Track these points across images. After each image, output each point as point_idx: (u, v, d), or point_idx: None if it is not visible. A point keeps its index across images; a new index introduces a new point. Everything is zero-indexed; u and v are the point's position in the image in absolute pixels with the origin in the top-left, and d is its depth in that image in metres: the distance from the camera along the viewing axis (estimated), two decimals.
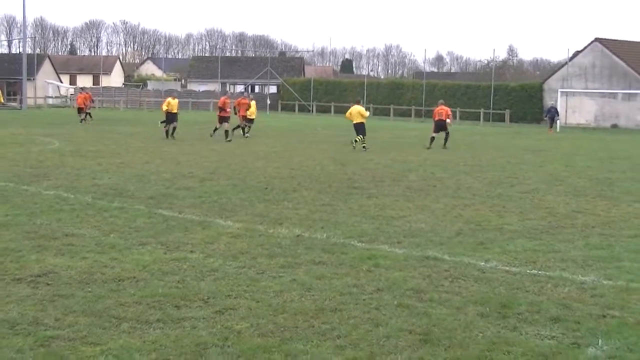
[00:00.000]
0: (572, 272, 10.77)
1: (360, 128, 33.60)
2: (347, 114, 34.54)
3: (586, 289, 9.82)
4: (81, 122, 49.76)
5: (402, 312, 8.62)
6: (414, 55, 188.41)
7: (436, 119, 36.25)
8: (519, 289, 9.73)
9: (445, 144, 35.40)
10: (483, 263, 11.19)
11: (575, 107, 70.39)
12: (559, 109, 63.27)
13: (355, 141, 33.06)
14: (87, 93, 54.33)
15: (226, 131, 36.42)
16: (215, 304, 8.77)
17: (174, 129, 37.82)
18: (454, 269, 10.77)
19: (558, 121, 57.29)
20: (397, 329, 8.03)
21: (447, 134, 35.96)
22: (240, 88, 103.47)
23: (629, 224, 15.04)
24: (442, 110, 36.24)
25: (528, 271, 10.76)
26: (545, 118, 58.02)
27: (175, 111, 38.04)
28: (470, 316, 8.52)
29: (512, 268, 10.93)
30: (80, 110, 51.79)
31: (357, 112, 33.84)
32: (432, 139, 35.72)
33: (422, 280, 10.10)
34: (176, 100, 39.02)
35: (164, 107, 38.16)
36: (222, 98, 39.19)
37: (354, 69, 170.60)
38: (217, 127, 38.34)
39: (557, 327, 8.23)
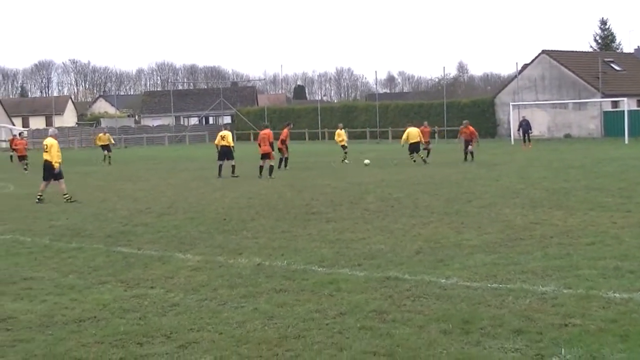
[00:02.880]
0: (533, 283, 10.82)
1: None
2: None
3: (547, 299, 9.86)
4: (25, 169, 43.62)
5: (365, 334, 8.60)
6: (365, 78, 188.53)
7: (463, 137, 40.22)
8: (480, 304, 9.76)
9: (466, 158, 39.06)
10: (444, 280, 11.21)
11: (528, 120, 70.95)
12: (511, 122, 63.82)
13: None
14: (24, 139, 50.01)
15: (271, 166, 33.07)
16: (177, 338, 8.71)
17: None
18: (415, 287, 10.78)
19: (530, 133, 57.36)
20: (361, 351, 8.02)
21: (468, 152, 39.29)
22: (194, 121, 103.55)
23: (586, 232, 15.16)
24: (468, 130, 39.72)
25: (489, 285, 10.79)
26: (518, 132, 58.06)
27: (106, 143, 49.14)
28: (433, 334, 8.52)
29: (473, 283, 10.96)
30: (21, 157, 45.67)
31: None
32: (466, 154, 39.22)
33: (384, 301, 10.10)
34: (107, 135, 50.91)
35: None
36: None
37: (307, 94, 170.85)
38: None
39: (520, 339, 8.26)
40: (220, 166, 33.87)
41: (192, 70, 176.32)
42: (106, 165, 45.96)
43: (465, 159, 38.92)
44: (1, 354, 8.40)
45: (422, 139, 38.98)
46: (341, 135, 43.76)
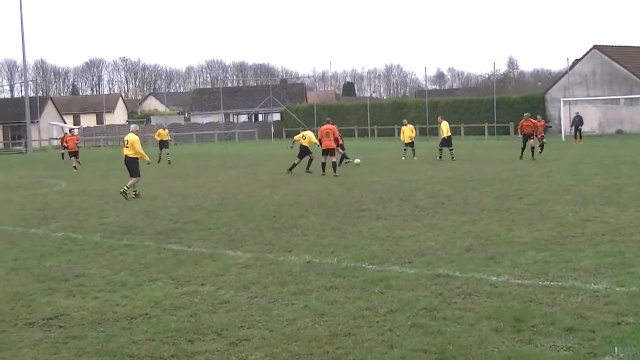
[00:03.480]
0: (584, 281, 10.74)
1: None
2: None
3: (599, 297, 9.78)
4: (75, 168, 42.42)
5: (416, 332, 8.59)
6: (415, 74, 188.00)
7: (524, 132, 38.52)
8: (532, 302, 9.70)
9: (532, 155, 37.75)
10: (494, 278, 11.16)
11: (581, 116, 70.31)
12: (562, 119, 63.37)
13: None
14: (75, 135, 47.66)
15: (333, 163, 32.00)
16: (228, 335, 8.75)
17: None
18: (465, 285, 10.74)
19: (581, 129, 56.83)
20: (411, 349, 8.00)
21: (540, 145, 39.42)
22: (243, 118, 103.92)
23: (639, 229, 15.00)
24: (530, 123, 38.46)
25: (540, 283, 10.72)
26: (571, 128, 57.56)
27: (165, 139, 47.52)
28: (485, 332, 8.49)
29: (524, 281, 10.90)
30: (73, 154, 43.96)
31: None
32: (523, 150, 38.22)
33: (434, 298, 10.07)
34: (166, 130, 49.47)
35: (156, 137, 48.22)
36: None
37: (356, 91, 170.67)
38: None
39: (572, 337, 8.19)
40: (295, 165, 33.99)
41: (241, 68, 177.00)
42: (166, 166, 43.08)
43: (522, 156, 37.74)
44: (54, 351, 8.50)
45: (531, 131, 37.48)
46: (406, 132, 42.45)
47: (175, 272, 12.54)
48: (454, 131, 74.49)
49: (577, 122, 56.21)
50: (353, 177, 29.98)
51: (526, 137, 37.98)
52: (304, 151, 34.46)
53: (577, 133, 55.24)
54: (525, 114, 39.30)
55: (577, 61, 74.87)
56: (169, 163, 44.69)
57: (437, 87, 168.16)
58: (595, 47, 73.46)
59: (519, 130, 39.25)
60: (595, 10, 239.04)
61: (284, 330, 8.84)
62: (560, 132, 64.43)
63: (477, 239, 14.64)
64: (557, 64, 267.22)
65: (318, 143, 32.84)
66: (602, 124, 69.68)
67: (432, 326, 8.77)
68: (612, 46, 75.72)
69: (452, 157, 38.97)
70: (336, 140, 32.25)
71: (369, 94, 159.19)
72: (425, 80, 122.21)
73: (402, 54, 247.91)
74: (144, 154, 25.28)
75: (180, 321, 9.43)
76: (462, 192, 22.91)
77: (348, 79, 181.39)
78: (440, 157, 39.65)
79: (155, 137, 49.01)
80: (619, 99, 69.72)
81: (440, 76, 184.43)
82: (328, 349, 8.12)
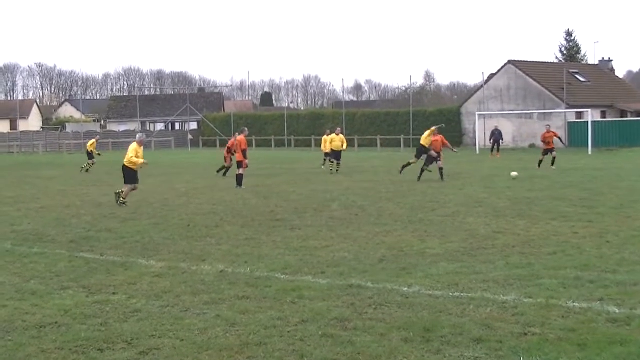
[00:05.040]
0: (494, 292, 10.91)
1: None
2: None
3: (507, 308, 9.95)
4: None
5: (326, 342, 8.63)
6: (332, 85, 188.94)
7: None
8: (442, 312, 9.82)
9: (552, 164, 38.94)
10: (406, 288, 11.27)
11: (500, 130, 71.40)
12: (477, 132, 64.34)
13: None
14: None
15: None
16: (139, 345, 8.69)
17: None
18: (377, 296, 10.83)
19: (501, 143, 57.75)
20: (321, 359, 8.05)
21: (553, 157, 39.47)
22: (160, 126, 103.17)
23: (548, 242, 15.31)
24: (550, 134, 39.99)
25: (450, 294, 10.87)
26: (490, 141, 58.41)
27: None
28: (395, 342, 8.57)
29: (435, 292, 11.03)
30: None
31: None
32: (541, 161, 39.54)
33: (346, 309, 10.13)
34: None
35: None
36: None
37: (273, 101, 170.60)
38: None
39: (480, 347, 8.33)
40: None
41: (159, 76, 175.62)
42: (84, 173, 43.43)
43: (539, 165, 39.20)
44: None
45: (445, 146, 35.78)
46: (336, 141, 40.59)
47: (86, 281, 12.40)
48: (371, 143, 75.43)
49: (497, 135, 57.08)
50: (269, 187, 29.99)
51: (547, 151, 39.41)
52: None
53: (496, 146, 56.12)
54: (546, 125, 41.56)
55: (492, 75, 76.07)
56: (83, 170, 44.58)
57: (355, 99, 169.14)
58: (510, 62, 74.71)
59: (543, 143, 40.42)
60: (510, 26, 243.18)
61: (195, 340, 8.82)
62: (475, 145, 65.31)
63: (390, 250, 14.77)
64: (473, 78, 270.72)
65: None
66: (516, 138, 70.78)
67: (342, 336, 8.83)
68: (527, 61, 77.11)
69: (337, 170, 39.06)
70: (244, 152, 31.09)
71: (286, 105, 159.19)
72: (343, 92, 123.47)
73: (320, 65, 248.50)
74: (134, 160, 24.88)
75: (91, 330, 9.34)
76: (377, 204, 23.08)
77: (266, 89, 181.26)
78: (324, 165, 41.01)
79: (89, 147, 47.53)
80: (532, 113, 70.96)
81: (358, 88, 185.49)
82: (239, 359, 8.13)
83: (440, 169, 32.53)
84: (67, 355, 8.36)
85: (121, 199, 24.19)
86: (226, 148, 38.65)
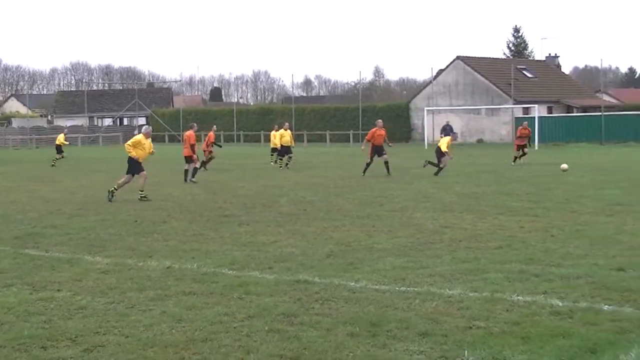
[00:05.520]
0: (440, 286, 10.97)
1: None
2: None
3: (453, 302, 10.02)
4: None
5: (273, 337, 8.63)
6: (282, 81, 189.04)
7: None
8: (388, 307, 9.86)
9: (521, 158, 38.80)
10: (353, 283, 11.29)
11: (442, 124, 71.81)
12: (425, 127, 64.70)
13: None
14: None
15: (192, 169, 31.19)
16: (83, 342, 8.61)
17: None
18: (324, 291, 10.84)
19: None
20: (268, 354, 8.04)
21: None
22: (108, 121, 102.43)
23: (494, 236, 15.43)
24: (526, 131, 39.43)
25: (397, 288, 10.91)
26: (440, 136, 58.67)
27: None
28: (341, 337, 8.59)
29: (382, 286, 11.07)
30: None
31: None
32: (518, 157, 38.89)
33: (293, 304, 10.13)
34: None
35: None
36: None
37: (223, 96, 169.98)
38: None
39: (425, 341, 8.37)
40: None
41: (107, 71, 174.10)
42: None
43: (515, 160, 38.96)
44: None
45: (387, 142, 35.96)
46: (286, 136, 40.51)
47: (31, 278, 12.26)
48: (320, 138, 75.51)
49: (448, 130, 57.45)
50: (218, 183, 29.90)
51: (519, 147, 39.15)
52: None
53: None
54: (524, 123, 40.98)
55: (441, 71, 76.65)
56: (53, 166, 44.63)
57: (304, 94, 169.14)
58: (458, 57, 75.34)
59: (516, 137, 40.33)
60: (459, 21, 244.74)
61: (140, 337, 8.76)
62: (424, 140, 65.68)
63: (337, 245, 14.79)
64: (422, 74, 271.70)
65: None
66: (464, 133, 71.30)
67: (289, 331, 8.83)
68: (475, 57, 77.76)
69: (287, 165, 39.07)
70: (192, 147, 31.02)
71: (236, 100, 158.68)
72: (292, 87, 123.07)
73: (270, 60, 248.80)
74: (127, 148, 24.70)
75: (34, 327, 9.23)
76: (326, 199, 23.11)
77: (215, 84, 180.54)
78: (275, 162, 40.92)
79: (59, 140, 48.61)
80: (480, 109, 71.55)
81: (307, 83, 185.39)
82: (184, 355, 8.09)
83: (386, 162, 32.68)
84: (9, 354, 8.26)
85: (115, 187, 24.26)
86: (205, 142, 39.52)
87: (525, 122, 41.15)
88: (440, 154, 32.96)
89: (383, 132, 33.58)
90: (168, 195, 25.08)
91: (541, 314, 9.39)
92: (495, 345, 8.12)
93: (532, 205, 20.46)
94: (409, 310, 9.69)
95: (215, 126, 33.46)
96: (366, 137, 33.56)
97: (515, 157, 38.83)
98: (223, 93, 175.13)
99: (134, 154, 24.30)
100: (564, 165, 32.13)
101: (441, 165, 32.53)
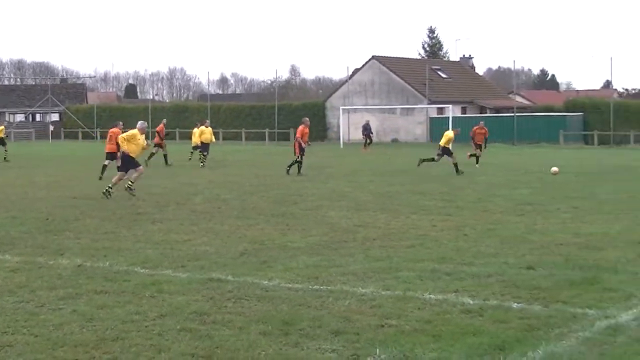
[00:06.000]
0: (353, 285, 11.03)
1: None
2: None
3: (366, 301, 10.09)
4: None
5: (184, 336, 8.58)
6: (198, 78, 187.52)
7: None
8: (301, 305, 9.88)
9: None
10: (266, 282, 11.30)
11: (358, 124, 72.06)
12: (341, 126, 65.05)
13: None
14: None
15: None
16: None
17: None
18: (237, 289, 10.82)
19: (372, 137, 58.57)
20: (180, 353, 8.00)
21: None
22: (20, 117, 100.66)
23: (407, 235, 15.58)
24: (482, 130, 38.27)
25: (310, 287, 10.94)
26: (363, 136, 58.90)
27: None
28: (253, 335, 8.58)
29: (295, 285, 11.09)
30: None
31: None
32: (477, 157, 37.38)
33: (205, 302, 10.10)
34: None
35: None
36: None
37: (138, 93, 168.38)
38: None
39: (337, 340, 8.41)
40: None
41: (19, 65, 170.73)
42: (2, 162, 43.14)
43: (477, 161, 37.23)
44: None
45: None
46: (207, 133, 39.88)
47: None
48: (236, 136, 75.30)
49: (368, 130, 58.00)
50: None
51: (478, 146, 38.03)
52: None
53: (368, 140, 56.96)
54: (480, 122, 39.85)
55: (357, 70, 77.02)
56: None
57: (221, 92, 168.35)
58: (374, 57, 75.84)
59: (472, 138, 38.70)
60: (376, 21, 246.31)
61: (50, 336, 8.63)
62: (339, 139, 65.98)
63: (251, 243, 14.78)
64: (338, 73, 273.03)
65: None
66: (379, 133, 71.71)
67: (201, 330, 8.80)
68: (391, 57, 78.38)
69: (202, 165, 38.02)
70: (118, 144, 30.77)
71: (151, 97, 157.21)
72: (208, 85, 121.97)
73: (186, 57, 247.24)
74: (120, 141, 24.04)
75: None
76: (240, 197, 23.07)
77: (130, 81, 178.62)
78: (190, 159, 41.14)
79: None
80: (395, 108, 72.15)
81: (223, 81, 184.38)
82: (95, 354, 8.00)
83: (299, 162, 32.54)
84: None
85: (133, 185, 23.71)
86: (157, 136, 40.98)
87: (482, 122, 40.40)
88: (445, 150, 33.02)
89: (307, 130, 33.43)
90: (81, 193, 24.72)
91: (452, 312, 9.51)
92: (406, 344, 8.19)
93: (445, 205, 20.70)
94: (321, 308, 9.73)
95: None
96: (297, 135, 33.17)
97: (477, 157, 37.46)
98: (138, 90, 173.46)
99: (126, 147, 23.80)
100: (555, 169, 31.34)
101: (454, 162, 32.44)
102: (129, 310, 9.70)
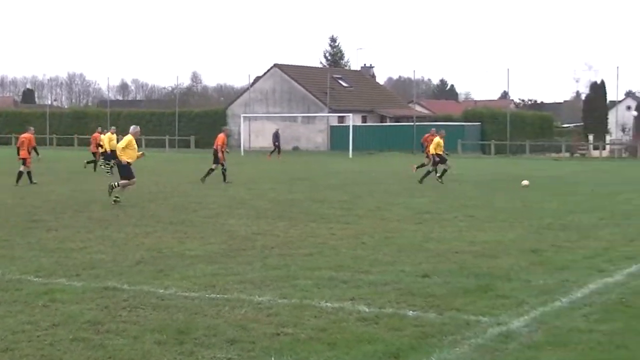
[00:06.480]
0: (250, 293, 11.00)
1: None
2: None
3: (262, 309, 10.06)
4: None
5: (77, 346, 8.44)
6: (98, 84, 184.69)
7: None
8: (197, 314, 9.81)
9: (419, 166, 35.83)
10: (162, 290, 11.19)
11: (258, 131, 72.40)
12: (242, 134, 64.95)
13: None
14: None
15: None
16: None
17: None
18: (132, 298, 10.69)
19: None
20: None
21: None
22: None
23: (306, 243, 15.60)
24: (432, 137, 34.78)
25: (207, 295, 10.88)
26: (275, 144, 58.77)
27: None
28: (148, 345, 8.48)
29: (191, 293, 11.01)
30: None
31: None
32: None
33: (99, 312, 9.94)
34: None
35: None
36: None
37: (36, 98, 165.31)
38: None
39: (233, 348, 8.37)
40: None
41: None
42: None
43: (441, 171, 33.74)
44: None
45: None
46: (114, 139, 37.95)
47: None
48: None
49: (278, 137, 58.31)
50: (27, 187, 29.01)
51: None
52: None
53: (276, 149, 57.17)
54: (432, 129, 37.24)
55: (258, 78, 77.06)
56: None
57: (121, 98, 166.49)
58: (275, 65, 75.98)
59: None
60: (277, 29, 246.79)
61: None
62: (240, 146, 65.84)
63: (148, 251, 14.63)
64: (239, 80, 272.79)
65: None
66: (281, 141, 71.78)
67: (94, 340, 8.66)
68: (292, 65, 78.60)
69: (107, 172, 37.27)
70: (35, 149, 30.56)
71: (49, 102, 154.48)
72: (108, 90, 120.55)
73: (85, 63, 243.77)
74: (121, 155, 23.63)
75: None
76: (139, 204, 22.82)
77: (28, 86, 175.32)
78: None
79: None
80: (296, 116, 72.35)
81: (124, 87, 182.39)
82: None
83: (212, 170, 32.61)
84: None
85: (114, 195, 23.14)
86: (94, 144, 41.11)
87: (434, 129, 37.02)
88: (438, 157, 32.19)
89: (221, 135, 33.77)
90: None
91: (348, 320, 9.55)
92: (302, 352, 8.20)
93: (344, 213, 20.80)
94: (217, 317, 9.68)
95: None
96: (218, 143, 33.11)
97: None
98: (36, 95, 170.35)
99: (125, 158, 23.27)
100: (525, 182, 30.45)
101: (447, 167, 31.98)
102: (21, 320, 9.49)
